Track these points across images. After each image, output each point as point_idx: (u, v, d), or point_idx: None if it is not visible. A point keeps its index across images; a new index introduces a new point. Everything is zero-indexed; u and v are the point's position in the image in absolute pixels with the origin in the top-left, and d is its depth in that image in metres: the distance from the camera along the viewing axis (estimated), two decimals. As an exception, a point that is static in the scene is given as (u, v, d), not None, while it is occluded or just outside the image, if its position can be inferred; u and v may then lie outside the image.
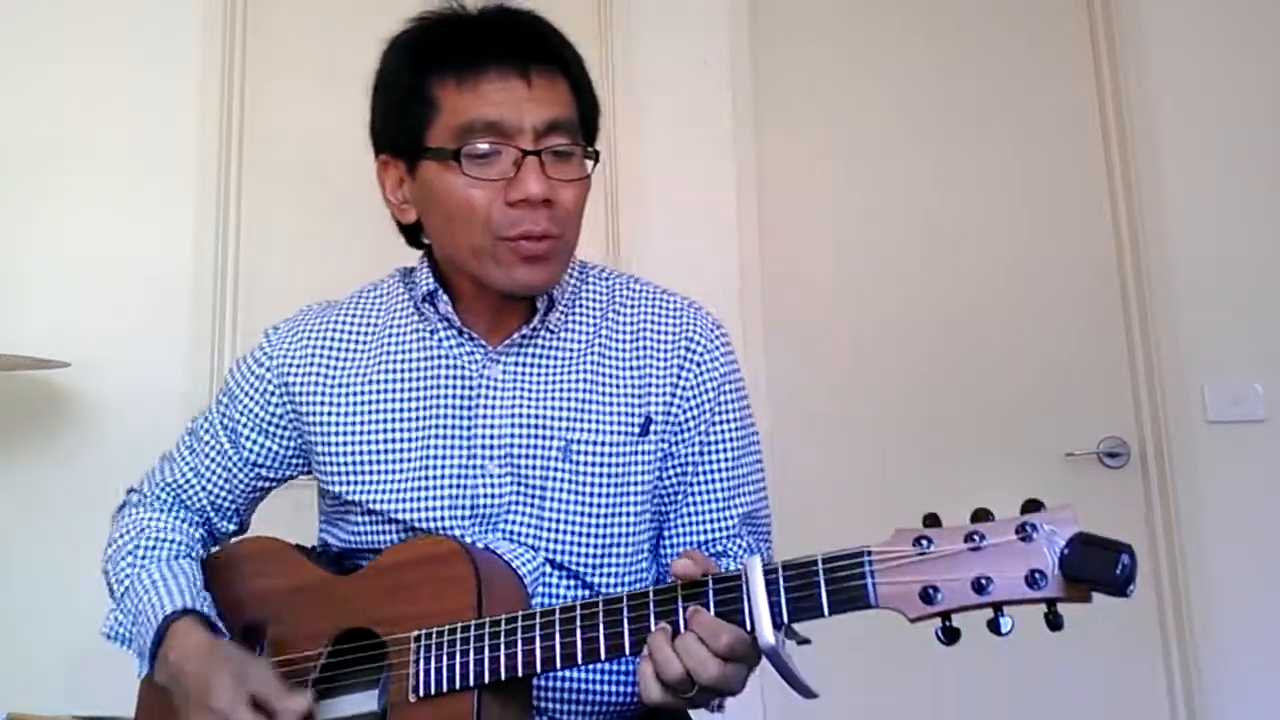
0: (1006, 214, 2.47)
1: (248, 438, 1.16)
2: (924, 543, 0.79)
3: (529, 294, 1.06)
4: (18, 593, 2.22)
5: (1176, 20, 2.46)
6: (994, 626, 0.78)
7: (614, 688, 1.06)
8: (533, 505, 1.06)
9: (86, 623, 2.17)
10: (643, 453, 1.08)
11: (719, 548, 1.10)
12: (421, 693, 0.93)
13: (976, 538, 0.78)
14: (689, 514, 1.11)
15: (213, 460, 1.18)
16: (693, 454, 1.11)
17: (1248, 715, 2.19)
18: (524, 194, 1.00)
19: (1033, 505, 0.80)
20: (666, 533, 1.12)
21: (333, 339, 1.15)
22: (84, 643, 2.18)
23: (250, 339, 2.34)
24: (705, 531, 1.10)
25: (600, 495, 1.06)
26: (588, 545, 1.06)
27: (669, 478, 1.11)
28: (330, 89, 2.48)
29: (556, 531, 1.06)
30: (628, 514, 1.07)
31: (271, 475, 1.19)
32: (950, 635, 0.79)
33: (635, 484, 1.08)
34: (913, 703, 2.23)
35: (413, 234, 1.13)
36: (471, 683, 0.91)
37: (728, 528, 1.11)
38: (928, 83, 2.52)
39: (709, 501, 1.11)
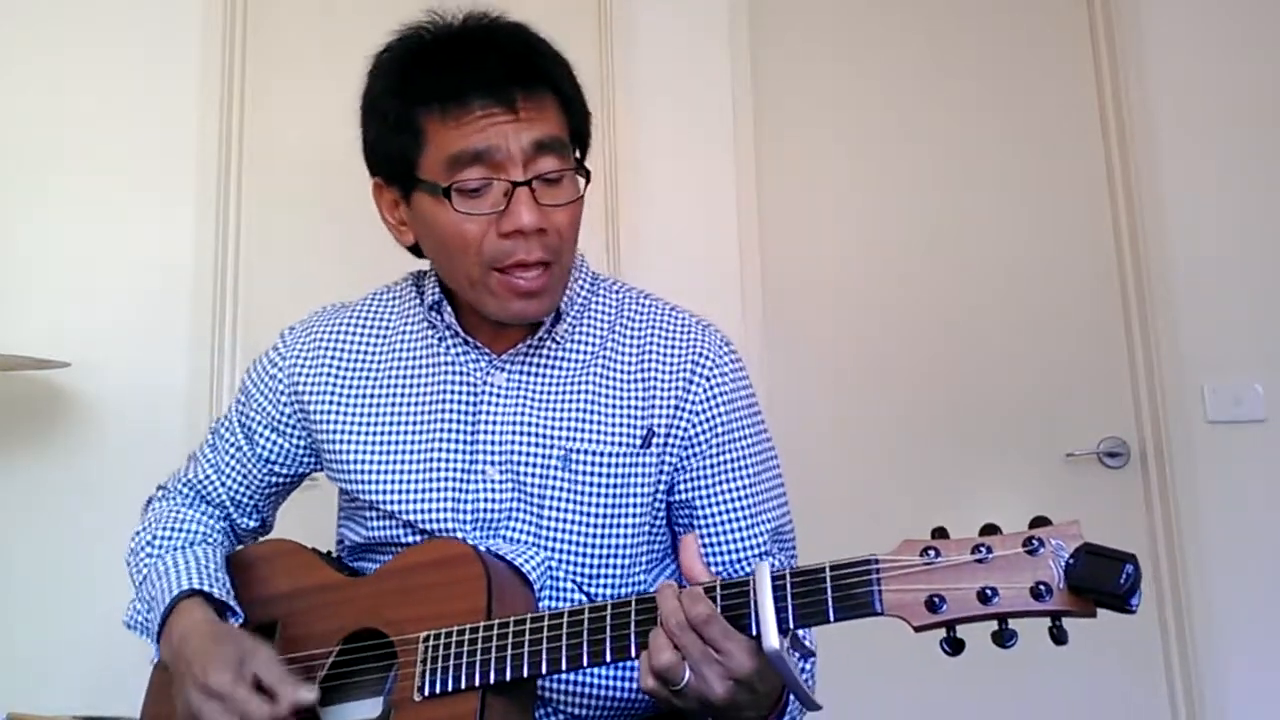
0: (1006, 214, 2.47)
1: (262, 435, 1.19)
2: (931, 553, 0.80)
3: (523, 323, 1.08)
4: (17, 592, 2.22)
5: (1176, 20, 2.46)
6: (998, 639, 0.78)
7: (622, 684, 1.06)
8: (532, 513, 1.07)
9: (87, 622, 2.18)
10: (643, 465, 1.08)
11: (751, 565, 1.09)
12: (427, 692, 0.93)
13: (983, 550, 0.79)
14: (716, 533, 1.10)
15: (231, 457, 1.20)
16: (708, 470, 1.10)
17: (1248, 715, 2.19)
18: (516, 225, 1.00)
19: (1040, 521, 0.79)
20: None
21: (343, 341, 1.16)
22: (84, 642, 2.18)
23: (250, 339, 2.36)
24: (734, 550, 1.10)
25: (598, 505, 1.07)
26: (586, 554, 1.07)
27: (682, 493, 1.10)
28: (330, 89, 2.48)
29: (555, 539, 1.06)
30: (626, 525, 1.08)
31: (285, 472, 1.21)
32: (954, 646, 0.79)
33: (634, 496, 1.08)
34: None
35: (415, 250, 1.14)
36: (477, 683, 0.92)
37: (756, 544, 1.10)
38: (928, 83, 2.52)
39: (734, 520, 1.10)
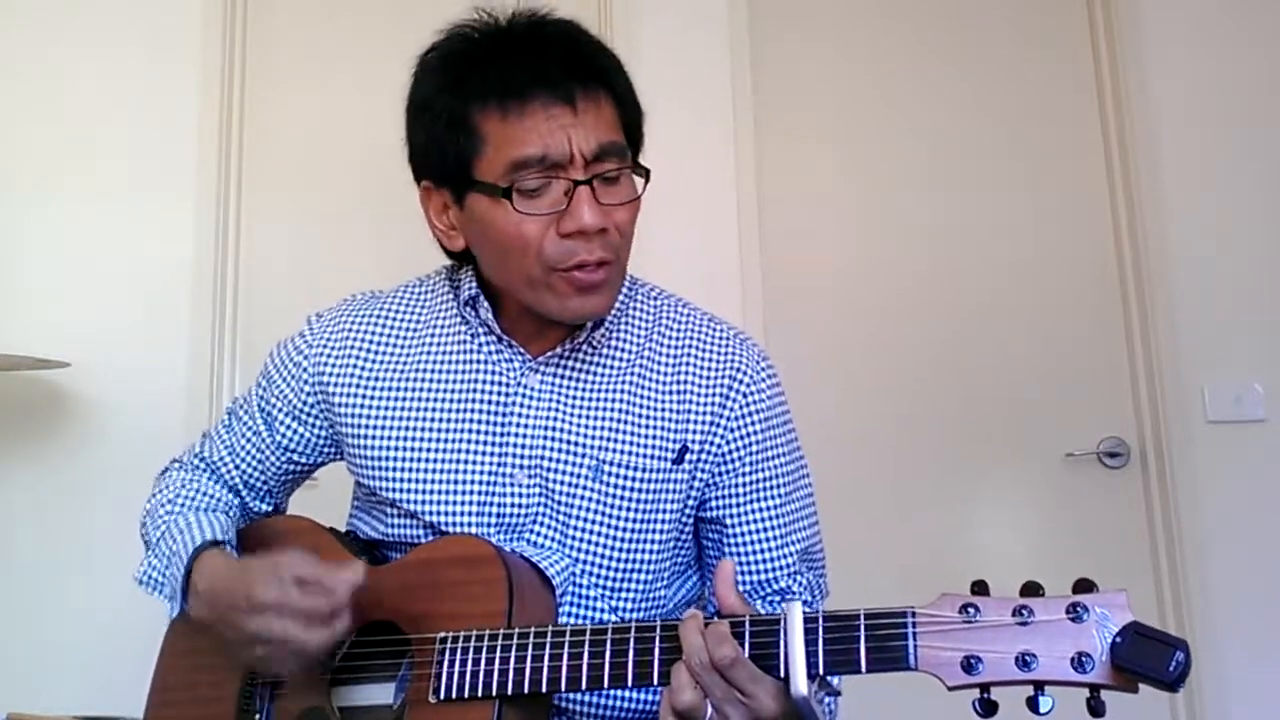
0: (1006, 213, 2.46)
1: (282, 422, 1.16)
2: (970, 610, 0.78)
3: (583, 321, 1.05)
4: (17, 592, 2.23)
5: (1176, 20, 2.45)
6: (1033, 704, 0.76)
7: (641, 702, 1.05)
8: (558, 520, 1.05)
9: (86, 622, 2.18)
10: (675, 481, 1.06)
11: (781, 584, 1.08)
12: (442, 695, 0.92)
13: (1025, 612, 0.77)
14: (745, 551, 1.08)
15: (248, 440, 1.18)
16: (740, 488, 1.08)
17: (1248, 715, 2.19)
18: (578, 225, 0.97)
19: (1084, 585, 0.77)
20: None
21: (373, 332, 1.14)
22: (84, 642, 2.18)
23: (250, 339, 2.36)
24: (764, 570, 1.08)
25: (627, 519, 1.05)
26: (610, 565, 1.05)
27: (713, 509, 1.09)
28: (330, 89, 2.49)
29: (580, 548, 1.05)
30: (653, 540, 1.06)
31: (304, 460, 1.19)
32: (988, 708, 0.77)
33: (663, 511, 1.06)
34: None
35: (460, 257, 1.10)
36: (494, 692, 0.90)
37: (786, 564, 1.08)
38: (928, 82, 2.52)
39: (764, 539, 1.08)
